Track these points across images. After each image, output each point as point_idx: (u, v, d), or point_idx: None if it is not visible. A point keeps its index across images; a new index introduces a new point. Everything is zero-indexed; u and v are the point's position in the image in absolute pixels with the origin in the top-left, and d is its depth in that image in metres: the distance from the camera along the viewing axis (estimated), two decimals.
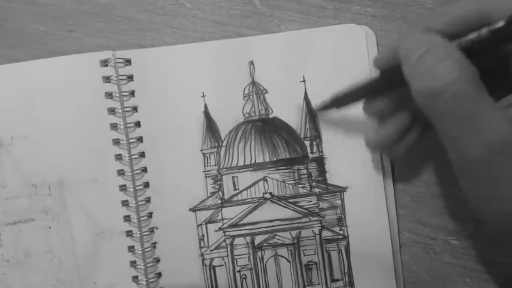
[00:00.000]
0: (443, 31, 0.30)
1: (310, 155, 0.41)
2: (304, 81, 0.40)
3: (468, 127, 0.28)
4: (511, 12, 0.28)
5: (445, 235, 0.39)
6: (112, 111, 0.40)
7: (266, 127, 0.41)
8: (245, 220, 0.40)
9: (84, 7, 0.42)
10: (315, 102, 0.40)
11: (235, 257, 0.40)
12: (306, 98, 0.40)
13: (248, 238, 0.40)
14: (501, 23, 0.28)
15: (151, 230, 0.40)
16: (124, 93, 0.40)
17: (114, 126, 0.40)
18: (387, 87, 0.34)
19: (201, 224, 0.40)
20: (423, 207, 0.40)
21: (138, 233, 0.40)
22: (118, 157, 0.40)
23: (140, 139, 0.40)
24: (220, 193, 0.41)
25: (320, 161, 0.40)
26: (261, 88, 0.40)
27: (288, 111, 0.40)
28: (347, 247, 0.40)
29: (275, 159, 0.41)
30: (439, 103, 0.28)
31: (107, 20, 0.42)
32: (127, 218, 0.40)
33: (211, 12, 0.41)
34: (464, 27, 0.30)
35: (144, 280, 0.39)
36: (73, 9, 0.42)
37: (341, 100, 0.37)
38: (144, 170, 0.40)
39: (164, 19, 0.42)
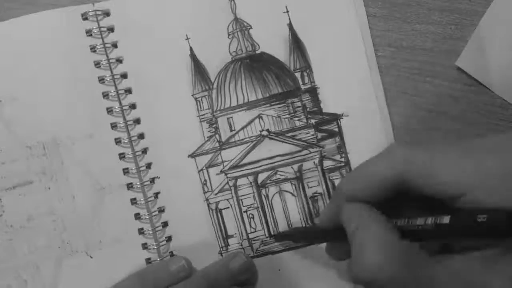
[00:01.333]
0: (370, 195, 0.30)
1: (303, 87, 0.40)
2: (287, 11, 0.40)
3: None
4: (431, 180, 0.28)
5: None
6: (97, 64, 0.39)
7: (255, 64, 0.40)
8: (245, 160, 0.40)
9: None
10: (301, 33, 0.40)
11: (240, 197, 0.40)
12: (291, 29, 0.40)
13: (251, 178, 0.40)
14: (446, 219, 0.27)
15: (152, 180, 0.39)
16: (107, 45, 0.39)
17: (101, 80, 0.39)
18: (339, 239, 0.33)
19: (202, 169, 0.40)
20: None
21: (138, 184, 0.39)
22: (109, 110, 0.39)
23: (129, 90, 0.40)
24: (217, 136, 0.40)
25: (313, 92, 0.40)
26: (245, 24, 0.40)
27: (274, 44, 0.40)
28: None
29: (267, 95, 0.40)
30: None
31: None
32: (126, 171, 0.39)
33: None
34: (388, 193, 0.30)
35: (150, 230, 0.39)
36: None
37: (299, 238, 0.39)
38: (137, 121, 0.39)
39: None
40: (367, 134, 0.39)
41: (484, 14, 0.39)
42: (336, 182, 0.40)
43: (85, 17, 0.39)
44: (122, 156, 0.39)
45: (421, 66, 0.40)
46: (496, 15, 0.39)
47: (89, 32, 0.39)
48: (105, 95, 0.39)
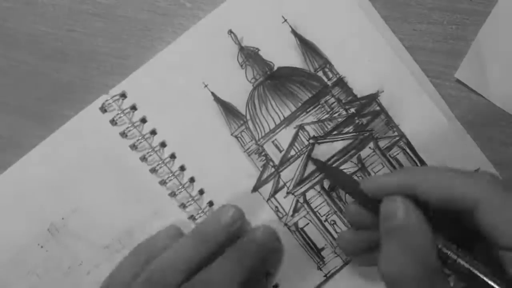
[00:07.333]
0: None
1: (329, 82, 0.40)
2: (285, 20, 0.39)
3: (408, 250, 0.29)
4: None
5: None
6: (134, 146, 0.40)
7: (276, 81, 0.40)
8: (305, 173, 0.40)
9: (84, 7, 0.41)
10: (307, 34, 0.39)
11: (315, 209, 0.40)
12: (295, 34, 0.39)
13: (317, 187, 0.40)
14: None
15: None
16: (136, 124, 0.40)
17: (143, 159, 0.40)
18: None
19: (269, 198, 0.40)
20: None
21: None
22: (162, 183, 0.40)
23: (173, 156, 0.40)
24: (270, 162, 0.40)
25: (341, 83, 0.40)
26: (251, 49, 0.40)
27: (286, 55, 0.40)
28: (409, 143, 0.39)
29: (299, 104, 0.40)
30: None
31: (107, 20, 0.41)
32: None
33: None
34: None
35: None
36: (73, 9, 0.41)
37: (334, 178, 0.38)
38: (192, 180, 0.40)
39: (164, 19, 0.41)
40: (408, 101, 0.39)
41: (487, 14, 0.38)
42: (399, 156, 0.39)
43: (104, 109, 0.40)
44: (191, 218, 0.40)
45: (422, 66, 0.39)
46: (494, 27, 0.38)
47: (113, 122, 0.40)
48: (153, 170, 0.40)
